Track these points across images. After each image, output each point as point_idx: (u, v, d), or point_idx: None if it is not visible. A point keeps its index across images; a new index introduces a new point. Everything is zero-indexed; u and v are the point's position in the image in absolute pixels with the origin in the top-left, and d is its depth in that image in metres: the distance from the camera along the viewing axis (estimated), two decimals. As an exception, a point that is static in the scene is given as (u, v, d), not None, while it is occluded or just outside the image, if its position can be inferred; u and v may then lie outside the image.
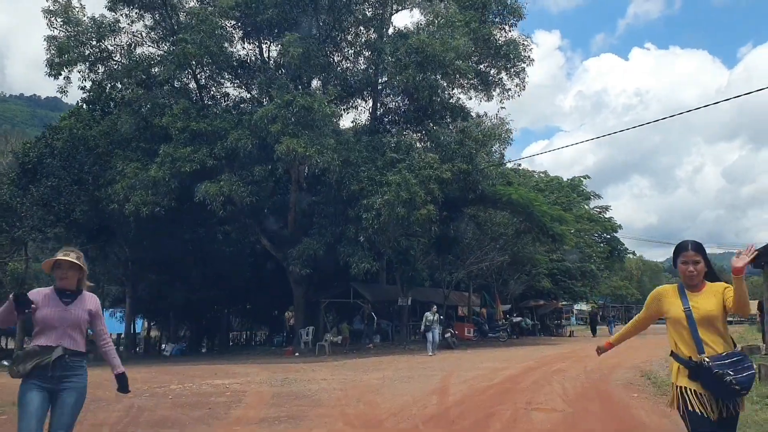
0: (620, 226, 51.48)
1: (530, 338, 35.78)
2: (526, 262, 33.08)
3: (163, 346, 38.52)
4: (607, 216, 50.95)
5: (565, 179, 33.89)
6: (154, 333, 46.77)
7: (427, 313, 22.04)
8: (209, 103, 26.67)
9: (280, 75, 24.11)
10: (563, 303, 49.52)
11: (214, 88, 28.87)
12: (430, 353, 20.96)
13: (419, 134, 24.93)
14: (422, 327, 22.10)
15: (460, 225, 31.34)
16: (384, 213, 22.18)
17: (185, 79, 27.05)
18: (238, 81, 27.31)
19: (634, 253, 53.53)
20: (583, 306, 67.69)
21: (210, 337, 42.54)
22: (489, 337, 31.90)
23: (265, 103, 24.57)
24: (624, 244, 53.09)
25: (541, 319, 45.13)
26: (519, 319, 36.06)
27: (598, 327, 42.54)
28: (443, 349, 26.54)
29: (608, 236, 51.34)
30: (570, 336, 42.23)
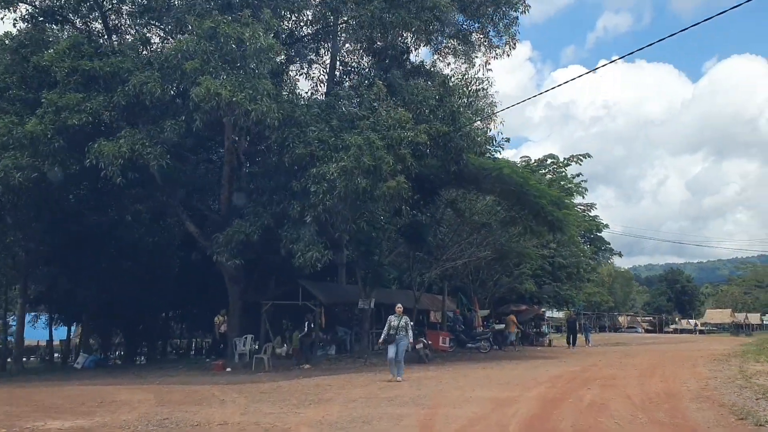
0: (606, 226, 46.88)
1: (514, 348, 30.50)
2: (514, 257, 27.69)
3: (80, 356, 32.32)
4: (592, 214, 46.27)
5: (561, 158, 28.81)
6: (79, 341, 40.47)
7: (392, 317, 14.88)
8: (113, 42, 20.60)
9: (202, 1, 18.26)
10: (543, 309, 44.46)
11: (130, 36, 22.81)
12: (398, 378, 14.38)
13: (386, 88, 19.42)
14: (383, 336, 14.88)
15: (436, 212, 25.90)
16: (339, 185, 16.56)
17: (88, 15, 21.08)
18: (152, 21, 21.18)
19: (620, 254, 48.84)
20: (556, 313, 63.15)
21: (150, 346, 36.47)
22: (468, 347, 26.54)
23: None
24: (609, 243, 48.50)
25: (522, 327, 39.84)
26: (502, 326, 30.76)
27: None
28: (414, 363, 21.03)
29: (592, 236, 46.67)
30: (549, 345, 37.09)
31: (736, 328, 65.78)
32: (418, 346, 21.80)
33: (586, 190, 26.50)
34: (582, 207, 46.02)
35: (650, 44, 14.84)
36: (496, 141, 20.04)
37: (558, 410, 9.45)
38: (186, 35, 17.80)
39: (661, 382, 12.77)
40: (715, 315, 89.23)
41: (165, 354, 36.19)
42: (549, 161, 27.56)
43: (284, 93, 18.64)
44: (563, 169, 27.17)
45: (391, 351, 14.54)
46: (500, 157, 24.53)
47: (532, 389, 12.03)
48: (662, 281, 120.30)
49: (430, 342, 23.01)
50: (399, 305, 15.26)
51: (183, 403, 11.51)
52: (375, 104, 18.34)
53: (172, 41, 19.52)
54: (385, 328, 14.80)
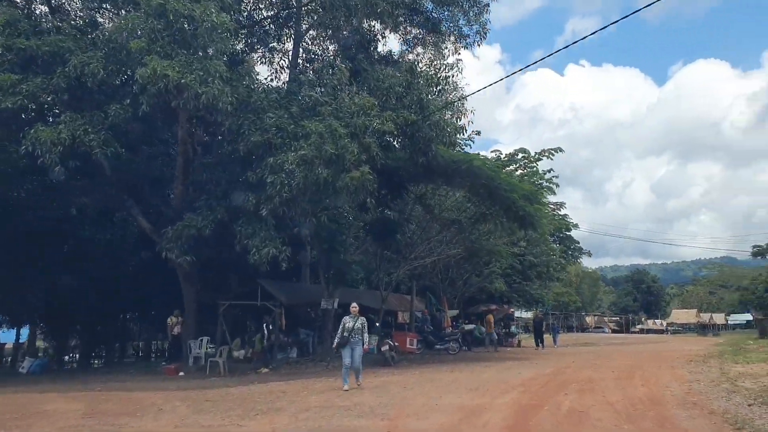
0: (576, 225, 46.41)
1: (484, 350, 29.60)
2: (484, 255, 26.74)
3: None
4: (561, 213, 45.76)
5: (532, 153, 27.78)
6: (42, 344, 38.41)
7: (346, 318, 13.17)
8: (56, 22, 19.05)
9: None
10: (513, 309, 43.71)
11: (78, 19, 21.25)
12: (354, 383, 12.95)
13: (350, 73, 18.23)
14: (337, 339, 13.04)
15: (405, 208, 24.85)
16: (298, 175, 15.39)
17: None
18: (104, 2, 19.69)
19: (589, 253, 48.45)
20: (525, 313, 62.75)
21: (107, 349, 34.63)
22: (436, 349, 25.53)
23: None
24: (579, 243, 48.05)
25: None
26: (472, 326, 29.82)
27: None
28: (379, 367, 19.97)
29: (561, 235, 46.14)
30: (518, 346, 36.33)
31: (702, 329, 66.25)
32: (383, 348, 20.77)
33: (557, 185, 25.72)
34: (552, 206, 45.57)
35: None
36: (465, 131, 19.05)
37: (534, 420, 8.44)
38: (133, 13, 16.39)
39: (642, 385, 11.89)
40: (681, 315, 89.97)
41: (123, 357, 34.48)
42: (520, 156, 26.68)
43: (241, 78, 17.33)
44: (534, 165, 26.36)
45: (347, 357, 12.69)
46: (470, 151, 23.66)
47: (505, 395, 11.02)
48: (628, 282, 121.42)
49: (396, 344, 21.93)
50: (354, 305, 13.63)
51: (115, 413, 10.21)
52: (338, 90, 17.17)
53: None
54: (339, 330, 13.08)
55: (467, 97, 20.84)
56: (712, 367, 15.36)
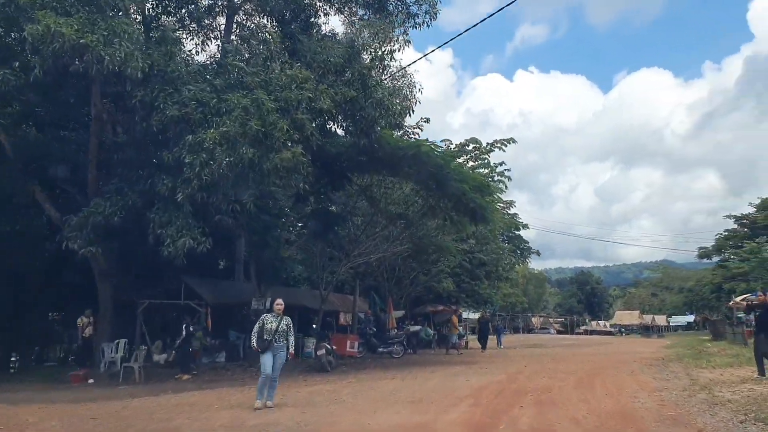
0: (526, 225, 45.45)
1: (430, 353, 28.04)
2: (432, 252, 25.11)
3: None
4: (511, 212, 44.75)
5: (485, 144, 26.12)
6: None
7: (267, 317, 10.76)
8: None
9: None
10: (461, 310, 42.37)
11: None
12: (269, 402, 10.34)
13: (284, 45, 16.26)
14: (254, 339, 10.61)
15: (348, 201, 23.05)
16: (220, 156, 13.40)
17: None
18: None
19: (538, 253, 47.56)
20: (473, 314, 61.82)
21: (22, 353, 31.48)
22: (379, 352, 23.82)
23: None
24: (528, 242, 47.14)
25: (439, 328, 37.59)
26: (418, 328, 28.21)
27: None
28: (315, 373, 18.14)
29: (511, 234, 45.16)
30: (466, 347, 34.95)
31: (645, 330, 66.82)
32: (319, 353, 18.89)
33: (509, 179, 24.28)
34: (502, 204, 44.52)
35: None
36: (412, 112, 17.34)
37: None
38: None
39: (607, 395, 10.42)
40: (625, 316, 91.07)
41: (42, 361, 31.49)
42: (471, 146, 25.11)
43: (157, 44, 15.14)
44: (486, 156, 24.85)
45: (267, 365, 10.23)
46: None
47: (452, 409, 9.33)
48: (573, 283, 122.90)
49: (334, 347, 20.10)
50: (279, 301, 11.02)
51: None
52: (269, 61, 15.22)
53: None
54: (256, 330, 10.58)
55: (420, 60, 19.09)
56: (677, 372, 14.11)
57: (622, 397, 10.14)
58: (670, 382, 12.14)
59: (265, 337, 10.40)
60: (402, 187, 23.68)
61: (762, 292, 12.85)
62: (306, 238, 21.56)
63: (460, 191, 18.36)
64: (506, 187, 24.61)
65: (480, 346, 30.27)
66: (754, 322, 13.93)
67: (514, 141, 23.01)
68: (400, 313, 32.36)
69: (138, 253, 19.22)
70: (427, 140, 19.96)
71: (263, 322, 10.63)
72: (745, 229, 47.61)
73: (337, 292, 30.46)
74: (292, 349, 10.74)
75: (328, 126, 17.07)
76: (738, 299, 35.20)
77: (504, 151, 24.07)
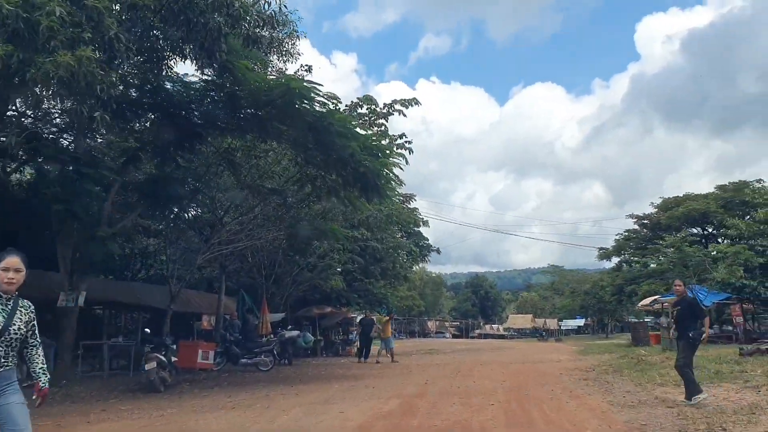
0: (425, 222, 41.69)
1: (311, 361, 23.23)
2: (315, 237, 20.10)
3: None
4: (411, 207, 40.83)
5: (382, 106, 21.04)
6: None
7: (13, 320, 4.27)
8: None
9: None
10: (353, 313, 37.87)
11: None
12: None
13: None
14: None
15: (206, 172, 17.88)
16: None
17: None
18: None
19: (438, 251, 43.95)
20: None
21: None
22: (242, 364, 18.78)
23: None
24: (428, 240, 43.48)
25: (326, 333, 32.79)
26: (295, 333, 23.28)
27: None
28: (141, 394, 13.01)
29: (411, 231, 41.27)
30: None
31: (538, 333, 65.56)
32: (148, 366, 13.61)
33: (411, 152, 19.89)
34: (401, 197, 40.50)
35: None
36: (275, 23, 12.54)
37: None
38: None
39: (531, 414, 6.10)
40: (518, 320, 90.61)
41: None
42: (365, 108, 20.39)
43: None
44: (383, 122, 20.24)
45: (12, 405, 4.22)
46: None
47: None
48: (468, 287, 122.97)
49: (174, 359, 14.88)
50: (10, 275, 4.27)
51: None
52: None
53: None
54: None
55: None
56: (632, 391, 10.16)
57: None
58: (636, 410, 8.11)
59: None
60: (276, 154, 18.83)
61: (683, 283, 9.14)
62: (134, 215, 16.06)
63: (346, 151, 13.74)
64: (407, 162, 20.29)
65: (358, 355, 24.30)
66: (672, 324, 10.32)
67: (417, 102, 18.77)
68: (280, 316, 27.28)
69: None
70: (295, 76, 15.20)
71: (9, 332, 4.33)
72: (645, 230, 46.38)
73: (195, 290, 25.18)
74: (44, 383, 4.56)
75: (151, 36, 11.86)
76: (646, 302, 33.16)
77: (405, 115, 19.73)
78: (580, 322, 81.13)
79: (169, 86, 13.49)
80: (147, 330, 15.84)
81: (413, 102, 19.37)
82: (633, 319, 40.60)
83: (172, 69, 13.91)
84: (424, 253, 42.17)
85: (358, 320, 28.93)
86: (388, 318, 25.61)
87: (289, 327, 24.48)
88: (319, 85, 13.16)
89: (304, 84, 13.03)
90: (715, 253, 26.45)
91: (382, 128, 19.10)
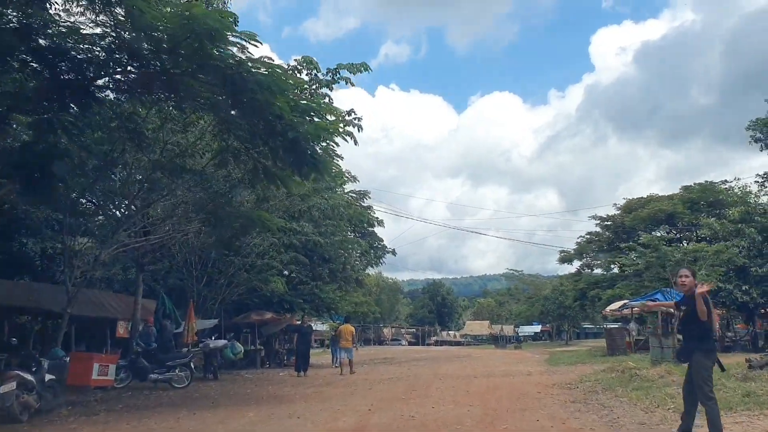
0: (380, 221, 38.83)
1: (245, 375, 19.98)
2: (242, 228, 16.69)
3: None
4: (365, 205, 37.94)
5: (325, 72, 17.61)
6: None
7: None
8: None
9: None
10: (299, 319, 34.57)
11: None
12: None
13: None
14: None
15: (104, 139, 14.58)
16: None
17: None
18: None
19: (394, 252, 41.02)
20: (321, 325, 54.63)
21: None
22: (152, 379, 15.46)
23: None
24: (383, 240, 40.55)
25: (268, 342, 29.46)
26: (221, 343, 19.91)
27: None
28: (2, 425, 9.79)
29: (364, 231, 38.33)
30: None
31: (495, 340, 63.63)
32: (4, 390, 10.22)
33: (361, 129, 16.81)
34: (354, 194, 37.53)
35: None
36: None
37: None
38: None
39: None
40: (475, 327, 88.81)
41: None
42: (305, 73, 17.17)
43: None
44: (327, 92, 17.08)
45: None
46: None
47: None
48: (425, 293, 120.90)
49: (54, 378, 11.51)
50: None
51: None
52: None
53: None
54: None
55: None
56: (636, 417, 7.42)
57: None
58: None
59: None
60: (200, 130, 15.64)
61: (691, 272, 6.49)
62: (4, 190, 12.66)
63: (272, 110, 10.68)
64: (356, 142, 17.23)
65: (296, 368, 20.78)
66: (678, 329, 7.97)
67: (367, 68, 15.79)
68: (212, 322, 23.91)
69: None
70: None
71: None
72: (608, 233, 44.57)
73: (106, 290, 21.73)
74: None
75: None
76: (614, 306, 31.00)
77: (353, 84, 16.64)
78: (537, 328, 79.77)
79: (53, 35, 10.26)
80: (14, 339, 12.38)
81: (363, 67, 16.43)
82: (611, 325, 38.40)
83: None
84: (378, 254, 39.19)
85: (295, 327, 25.54)
86: (350, 326, 22.29)
87: (214, 336, 21.14)
88: (233, 16, 10.09)
89: (211, 13, 9.90)
90: (696, 252, 24.38)
91: (326, 99, 16.14)
